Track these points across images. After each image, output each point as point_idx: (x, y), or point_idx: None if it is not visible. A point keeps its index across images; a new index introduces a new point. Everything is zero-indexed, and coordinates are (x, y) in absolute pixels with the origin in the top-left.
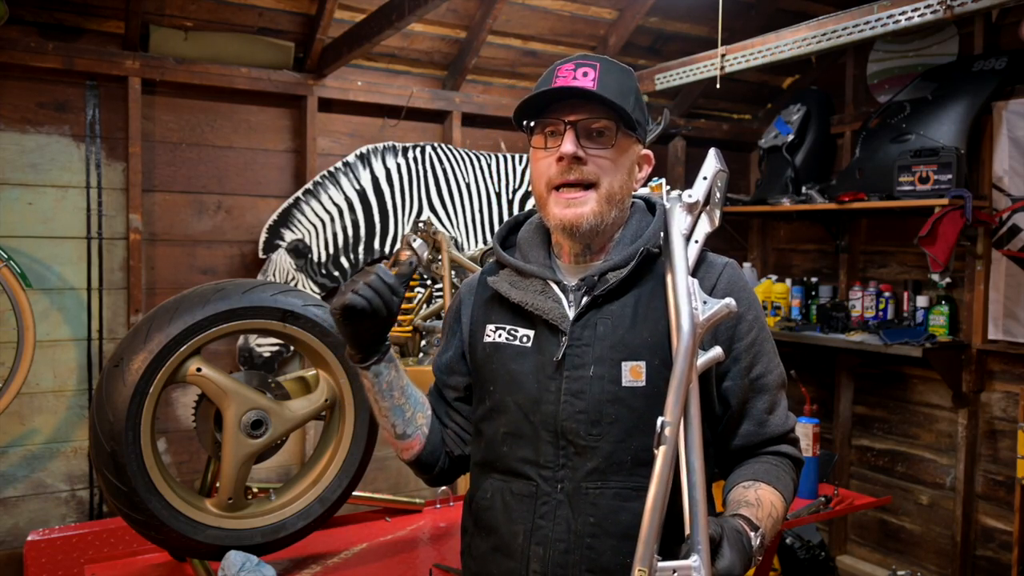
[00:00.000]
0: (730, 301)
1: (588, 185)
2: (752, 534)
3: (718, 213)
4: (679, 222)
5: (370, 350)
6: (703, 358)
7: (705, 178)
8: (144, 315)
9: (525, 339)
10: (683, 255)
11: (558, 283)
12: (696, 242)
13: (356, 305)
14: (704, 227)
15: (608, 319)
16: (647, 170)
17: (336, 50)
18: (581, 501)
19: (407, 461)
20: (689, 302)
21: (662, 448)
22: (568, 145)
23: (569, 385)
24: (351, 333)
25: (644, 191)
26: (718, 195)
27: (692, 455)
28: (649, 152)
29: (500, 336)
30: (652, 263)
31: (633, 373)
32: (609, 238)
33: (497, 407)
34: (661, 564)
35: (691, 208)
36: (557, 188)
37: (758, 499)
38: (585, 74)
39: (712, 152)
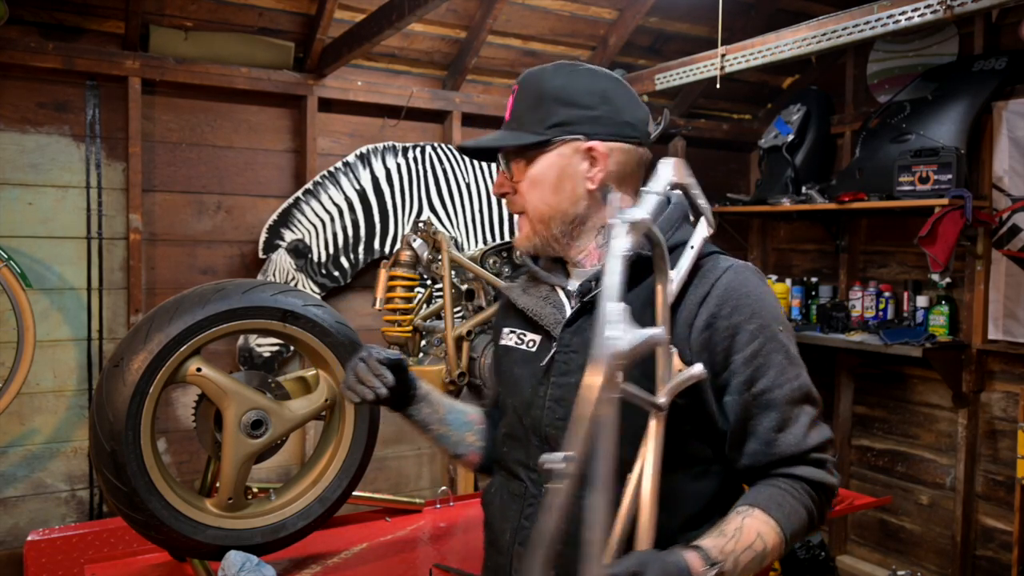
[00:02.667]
0: (656, 332)
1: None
2: (704, 569)
3: (710, 215)
4: (619, 243)
5: (398, 404)
6: (678, 379)
7: (656, 193)
8: (144, 315)
9: (531, 343)
10: (615, 281)
11: (564, 289)
12: (692, 248)
13: (364, 397)
14: (703, 231)
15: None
16: (603, 160)
17: (336, 50)
18: None
19: (473, 471)
20: (606, 330)
21: (555, 485)
22: (495, 187)
23: (554, 391)
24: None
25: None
26: (701, 201)
27: (596, 493)
28: (592, 144)
29: (511, 340)
30: (649, 267)
31: None
32: (582, 248)
33: (502, 408)
34: None
35: (634, 228)
36: None
37: (738, 529)
38: (509, 104)
39: (660, 164)
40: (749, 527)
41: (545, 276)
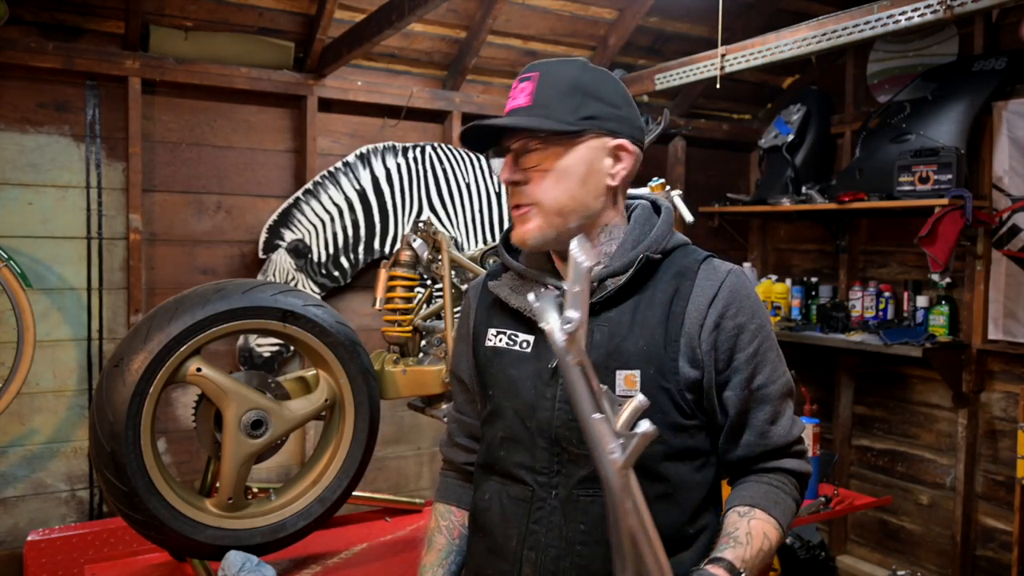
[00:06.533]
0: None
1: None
2: None
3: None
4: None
5: None
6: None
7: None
8: (144, 315)
9: (525, 344)
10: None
11: (561, 288)
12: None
13: None
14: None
15: (605, 326)
16: (628, 160)
17: (336, 50)
18: (573, 508)
19: None
20: (604, 444)
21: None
22: (505, 172)
23: (564, 393)
24: None
25: (643, 191)
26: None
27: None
28: (622, 141)
29: (501, 341)
30: (654, 269)
31: (627, 382)
32: (593, 244)
33: (496, 412)
34: None
35: (571, 338)
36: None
37: (749, 534)
38: (523, 89)
39: (574, 245)
40: (756, 530)
41: (536, 275)
